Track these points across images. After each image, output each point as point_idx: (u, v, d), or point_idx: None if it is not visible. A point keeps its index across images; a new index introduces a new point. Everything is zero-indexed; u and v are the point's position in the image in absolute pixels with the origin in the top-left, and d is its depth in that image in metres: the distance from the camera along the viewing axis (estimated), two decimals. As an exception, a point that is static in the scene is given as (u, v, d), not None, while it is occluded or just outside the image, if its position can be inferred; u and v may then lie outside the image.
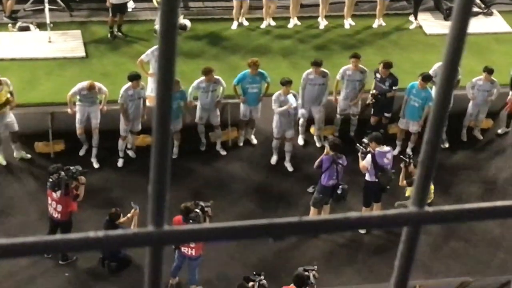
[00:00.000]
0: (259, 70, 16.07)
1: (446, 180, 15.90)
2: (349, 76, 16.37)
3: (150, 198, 1.42)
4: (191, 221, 12.17)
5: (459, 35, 1.41)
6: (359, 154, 14.23)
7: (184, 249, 12.79)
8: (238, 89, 16.12)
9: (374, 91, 16.34)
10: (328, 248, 14.34)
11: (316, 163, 14.14)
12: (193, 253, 12.82)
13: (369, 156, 14.04)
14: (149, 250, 1.44)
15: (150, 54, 16.26)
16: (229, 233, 1.44)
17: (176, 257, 12.96)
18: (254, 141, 16.69)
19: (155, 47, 16.23)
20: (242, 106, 16.21)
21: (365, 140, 14.49)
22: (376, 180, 14.15)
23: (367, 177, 14.30)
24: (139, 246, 1.41)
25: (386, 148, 14.24)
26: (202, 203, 12.73)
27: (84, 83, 15.25)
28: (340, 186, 14.07)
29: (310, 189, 14.55)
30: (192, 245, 12.67)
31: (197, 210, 12.50)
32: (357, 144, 14.54)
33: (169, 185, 1.42)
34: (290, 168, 16.08)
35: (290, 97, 15.42)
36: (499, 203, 1.53)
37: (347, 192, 14.24)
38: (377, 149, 14.06)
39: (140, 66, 16.20)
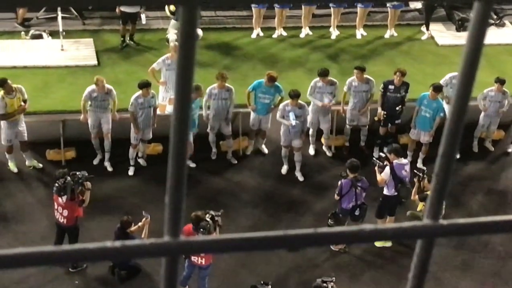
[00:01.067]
0: (275, 83, 16.05)
1: (457, 191, 15.85)
2: (355, 87, 16.34)
3: (166, 209, 1.43)
4: (201, 229, 12.16)
5: (476, 49, 1.42)
6: (376, 168, 14.14)
7: (194, 259, 12.77)
8: (251, 96, 16.13)
9: (381, 111, 16.31)
10: (338, 258, 14.31)
11: (336, 191, 13.97)
12: (203, 262, 12.80)
13: (387, 168, 13.92)
14: (165, 260, 1.45)
15: (161, 63, 16.31)
16: (244, 244, 1.44)
17: (186, 266, 12.94)
18: (265, 150, 16.70)
19: (166, 55, 16.49)
20: (252, 114, 16.24)
21: (381, 154, 14.43)
22: (396, 193, 14.05)
23: (386, 191, 14.14)
24: (155, 256, 1.41)
25: (404, 161, 14.13)
26: (212, 212, 12.72)
27: (93, 85, 15.36)
28: (358, 208, 13.98)
29: (330, 222, 14.32)
30: (202, 254, 12.64)
31: (208, 219, 12.49)
32: (374, 158, 14.48)
33: (185, 196, 1.43)
34: (300, 177, 16.08)
35: (291, 114, 15.42)
36: (513, 216, 1.53)
37: (366, 211, 14.10)
38: (395, 161, 13.96)
39: (151, 74, 16.24)
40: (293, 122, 15.42)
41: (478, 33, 1.40)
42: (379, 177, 14.05)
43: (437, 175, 1.53)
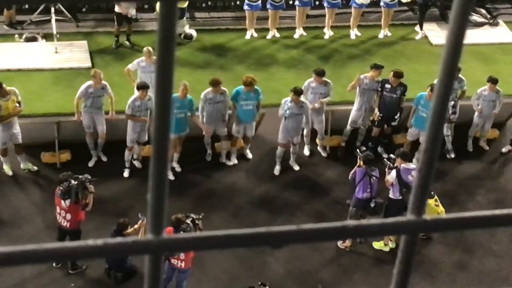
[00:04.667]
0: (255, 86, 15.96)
1: (452, 190, 15.88)
2: (367, 85, 16.25)
3: (149, 207, 1.43)
4: (181, 232, 12.13)
5: (456, 43, 1.42)
6: (386, 169, 14.13)
7: (173, 261, 12.73)
8: (236, 106, 16.01)
9: (377, 111, 16.28)
10: (339, 259, 14.31)
11: (351, 174, 14.12)
12: (183, 266, 12.75)
13: (394, 172, 13.90)
14: (148, 258, 1.46)
15: (136, 64, 16.51)
16: (227, 241, 1.45)
17: (166, 269, 12.84)
18: (249, 155, 16.60)
19: (142, 58, 16.68)
20: (235, 123, 16.11)
21: (391, 155, 14.43)
22: (400, 197, 14.01)
23: (391, 195, 14.12)
24: (138, 254, 1.42)
25: (411, 166, 14.03)
26: (193, 215, 12.72)
27: (88, 81, 15.42)
28: (374, 200, 13.96)
29: (348, 201, 14.37)
30: (182, 257, 12.64)
31: (188, 222, 12.50)
32: (385, 159, 14.47)
33: (167, 194, 1.44)
34: (296, 167, 16.12)
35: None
36: (496, 211, 1.54)
37: (382, 207, 14.09)
38: (403, 165, 13.93)
39: (126, 74, 16.47)
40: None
41: (459, 27, 1.41)
42: (387, 177, 14.06)
43: (420, 171, 1.53)
